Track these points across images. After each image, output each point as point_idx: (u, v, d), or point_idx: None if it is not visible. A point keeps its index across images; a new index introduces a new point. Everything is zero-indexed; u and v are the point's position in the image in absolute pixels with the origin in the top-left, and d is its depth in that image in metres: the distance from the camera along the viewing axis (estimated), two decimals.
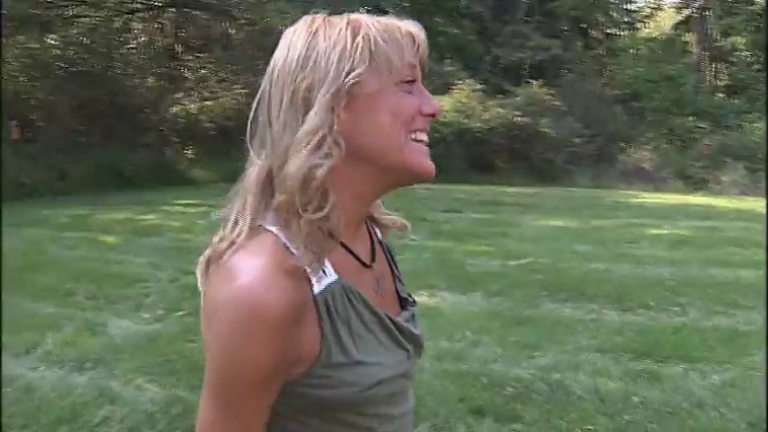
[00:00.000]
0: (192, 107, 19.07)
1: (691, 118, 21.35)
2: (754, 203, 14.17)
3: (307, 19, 0.94)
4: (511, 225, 9.95)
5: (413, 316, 1.07)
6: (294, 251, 0.86)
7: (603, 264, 7.15)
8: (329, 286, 0.89)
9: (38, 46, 15.88)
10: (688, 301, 5.70)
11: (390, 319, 0.97)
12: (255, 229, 0.89)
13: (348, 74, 0.87)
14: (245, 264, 0.85)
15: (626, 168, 19.58)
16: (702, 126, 20.94)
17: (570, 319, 5.20)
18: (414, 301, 1.10)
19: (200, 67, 19.57)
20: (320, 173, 0.86)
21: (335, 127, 0.87)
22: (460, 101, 19.64)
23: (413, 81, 0.93)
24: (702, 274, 6.77)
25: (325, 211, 0.87)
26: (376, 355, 0.93)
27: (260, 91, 0.93)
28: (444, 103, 19.22)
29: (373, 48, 0.89)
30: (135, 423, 3.37)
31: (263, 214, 0.90)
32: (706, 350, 4.50)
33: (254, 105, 0.93)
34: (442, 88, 20.02)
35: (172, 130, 19.14)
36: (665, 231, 9.53)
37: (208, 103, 18.85)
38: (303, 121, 0.87)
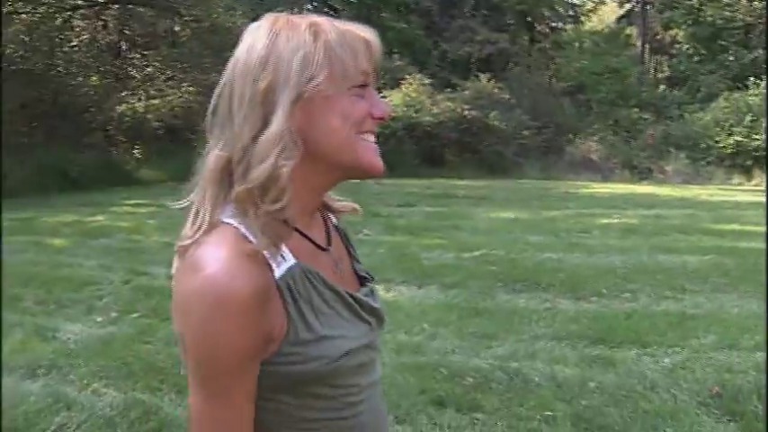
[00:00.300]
0: (139, 106, 18.69)
1: (635, 109, 21.87)
2: (697, 191, 14.62)
3: (270, 17, 0.98)
4: (464, 218, 10.05)
5: (372, 291, 1.13)
6: (252, 239, 0.91)
7: (556, 254, 7.28)
8: (289, 270, 0.94)
9: None
10: (638, 288, 5.86)
11: (350, 294, 1.03)
12: (215, 223, 0.94)
13: (310, 80, 0.93)
14: (208, 255, 0.90)
15: (574, 159, 19.96)
16: (646, 117, 21.46)
17: (525, 309, 5.29)
18: (372, 278, 1.17)
19: (147, 65, 19.17)
20: (284, 172, 0.91)
21: (294, 128, 0.93)
22: (410, 95, 19.72)
23: (365, 86, 0.99)
24: (651, 261, 6.96)
25: (283, 202, 0.92)
26: (339, 329, 0.99)
27: (221, 83, 0.97)
28: (394, 98, 19.28)
29: (332, 54, 0.94)
30: (93, 429, 3.30)
31: (222, 207, 0.95)
32: (657, 334, 4.63)
33: (216, 96, 0.97)
34: (392, 83, 20.08)
35: (118, 130, 18.72)
36: (615, 221, 9.75)
37: (155, 101, 18.50)
38: (264, 121, 0.92)
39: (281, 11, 1.00)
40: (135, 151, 18.69)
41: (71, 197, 12.86)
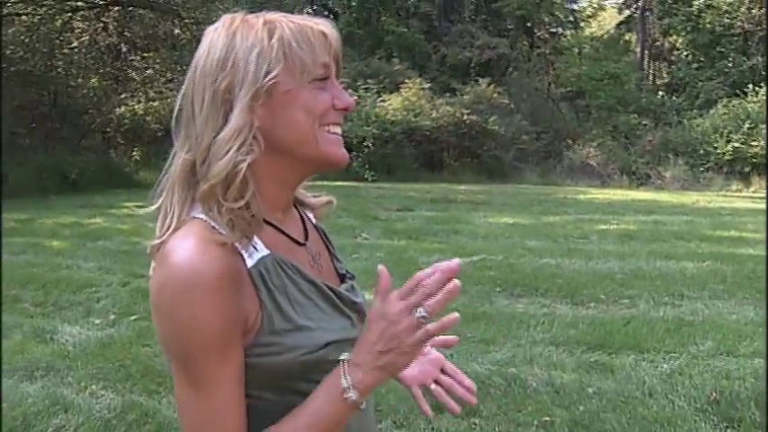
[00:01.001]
0: (139, 108, 18.69)
1: (634, 115, 21.87)
2: (695, 197, 14.62)
3: (226, 19, 1.01)
4: (462, 222, 10.05)
5: (352, 287, 1.13)
6: (221, 231, 0.92)
7: (555, 259, 7.29)
8: (261, 259, 0.95)
9: None
10: (636, 294, 5.87)
11: (329, 287, 1.04)
12: (184, 222, 0.95)
13: (266, 75, 0.94)
14: (175, 245, 0.91)
15: (573, 165, 19.95)
16: (645, 123, 21.47)
17: (524, 314, 5.29)
18: (352, 276, 1.17)
19: (147, 68, 19.17)
20: (242, 167, 0.93)
21: (255, 123, 0.94)
22: (409, 99, 19.71)
23: (326, 78, 1.00)
24: (649, 267, 6.96)
25: (245, 199, 0.93)
26: (318, 320, 0.99)
27: (183, 87, 1.00)
28: (393, 102, 19.30)
29: (287, 49, 0.95)
30: (91, 431, 3.31)
31: (189, 207, 0.97)
32: (655, 340, 4.64)
33: (179, 100, 1.00)
34: (391, 87, 20.08)
35: (117, 132, 18.72)
36: (613, 226, 9.76)
37: (154, 103, 18.49)
38: (225, 120, 0.94)
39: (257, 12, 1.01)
40: (134, 153, 18.68)
41: (70, 199, 12.85)
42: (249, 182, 0.94)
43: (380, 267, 0.96)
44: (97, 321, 5.13)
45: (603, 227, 9.70)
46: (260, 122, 0.95)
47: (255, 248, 0.96)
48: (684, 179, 18.52)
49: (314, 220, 1.17)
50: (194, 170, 0.96)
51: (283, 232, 1.03)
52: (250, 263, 0.94)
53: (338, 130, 1.02)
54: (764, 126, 17.87)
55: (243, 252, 0.94)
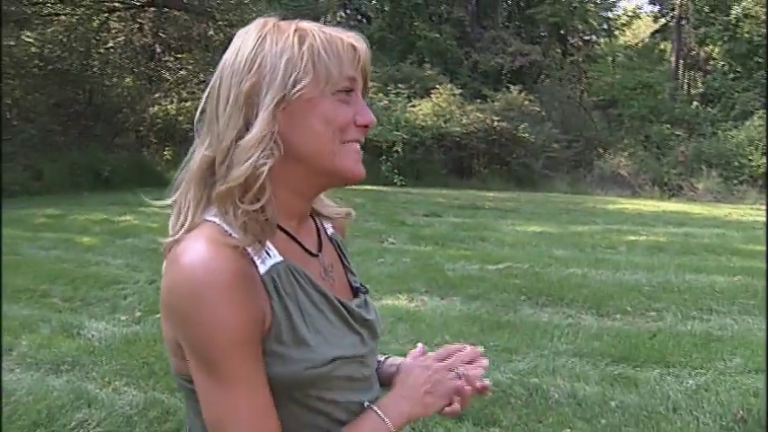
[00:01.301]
0: (171, 108, 18.92)
1: (667, 125, 21.60)
2: (728, 210, 14.38)
3: (259, 22, 1.01)
4: (490, 229, 10.00)
5: (365, 302, 1.12)
6: (234, 235, 0.92)
7: (581, 269, 7.21)
8: (274, 266, 0.95)
9: (14, 43, 15.65)
10: (664, 307, 5.77)
11: (340, 301, 1.02)
12: (197, 222, 0.96)
13: (294, 84, 0.94)
14: (188, 246, 0.92)
15: (603, 174, 19.76)
16: (678, 134, 21.20)
17: (548, 324, 5.24)
18: (366, 290, 1.15)
19: (180, 68, 19.41)
20: (263, 171, 0.92)
21: (276, 128, 0.94)
22: (439, 105, 19.68)
23: (350, 91, 0.99)
24: (678, 279, 6.85)
25: (261, 203, 0.93)
26: (326, 333, 0.97)
27: (209, 85, 1.00)
28: (423, 107, 19.29)
29: (316, 59, 0.95)
30: (113, 426, 3.35)
31: (204, 207, 0.97)
32: (681, 355, 4.56)
33: (204, 96, 1.01)
34: (422, 92, 20.09)
35: (150, 131, 18.97)
36: (642, 237, 9.63)
37: (186, 104, 18.67)
38: (246, 121, 0.94)
39: (316, 18, 1.01)
40: (165, 152, 18.91)
41: (102, 196, 13.05)
42: (267, 186, 0.93)
43: (419, 346, 1.20)
44: (123, 318, 5.20)
45: (632, 238, 9.58)
46: (279, 128, 0.95)
47: (268, 254, 0.95)
48: (718, 191, 18.22)
49: (330, 231, 1.16)
50: (213, 169, 0.96)
51: (297, 241, 1.02)
52: (263, 269, 0.94)
53: (357, 146, 1.01)
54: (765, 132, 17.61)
55: (255, 258, 0.94)
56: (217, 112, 0.97)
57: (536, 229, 10.30)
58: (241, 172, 0.92)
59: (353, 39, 1.00)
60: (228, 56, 0.99)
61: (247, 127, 0.94)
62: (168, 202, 1.02)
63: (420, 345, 1.18)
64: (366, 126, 1.01)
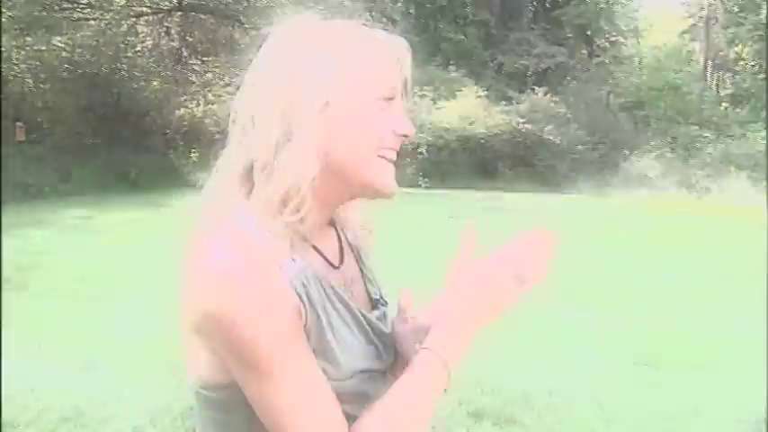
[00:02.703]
0: (198, 111, 19.12)
1: (695, 127, 21.35)
2: (757, 212, 14.17)
3: (295, 23, 0.96)
4: (515, 231, 9.95)
5: (384, 315, 1.06)
6: (267, 242, 0.88)
7: (606, 270, 7.17)
8: (302, 271, 0.90)
9: (45, 48, 15.94)
10: (689, 309, 5.72)
11: (362, 313, 0.98)
12: (227, 226, 0.90)
13: (334, 89, 0.89)
14: (216, 240, 0.88)
15: (629, 176, 19.59)
16: (706, 135, 20.94)
17: (571, 325, 5.23)
18: (385, 302, 1.09)
19: (206, 71, 19.63)
20: (305, 185, 0.89)
21: (318, 138, 0.89)
22: (464, 107, 19.67)
23: (390, 99, 0.94)
24: (704, 282, 6.78)
25: (301, 213, 0.89)
26: (350, 346, 0.93)
27: (245, 82, 0.95)
28: (448, 109, 19.28)
29: (356, 66, 0.91)
30: (138, 421, 3.41)
31: (236, 210, 0.92)
32: (707, 358, 4.52)
33: (238, 96, 0.95)
34: (447, 94, 20.08)
35: (177, 134, 19.19)
36: (669, 239, 9.54)
37: (213, 106, 18.88)
38: (289, 129, 0.89)
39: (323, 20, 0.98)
40: (192, 155, 19.11)
41: (129, 197, 13.23)
42: (308, 197, 0.89)
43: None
44: (150, 316, 5.27)
45: (659, 239, 9.49)
46: (318, 137, 0.90)
47: (294, 261, 0.90)
48: (746, 193, 17.96)
49: (350, 237, 1.10)
50: (247, 173, 0.93)
51: (321, 254, 0.98)
52: (291, 273, 0.88)
53: (393, 156, 0.96)
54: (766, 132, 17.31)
55: (282, 263, 0.89)
56: (253, 115, 0.92)
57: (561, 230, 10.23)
58: (283, 183, 0.88)
59: (396, 45, 0.95)
60: (265, 57, 0.94)
61: (288, 134, 0.89)
62: (199, 198, 0.97)
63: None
64: (405, 135, 0.96)
